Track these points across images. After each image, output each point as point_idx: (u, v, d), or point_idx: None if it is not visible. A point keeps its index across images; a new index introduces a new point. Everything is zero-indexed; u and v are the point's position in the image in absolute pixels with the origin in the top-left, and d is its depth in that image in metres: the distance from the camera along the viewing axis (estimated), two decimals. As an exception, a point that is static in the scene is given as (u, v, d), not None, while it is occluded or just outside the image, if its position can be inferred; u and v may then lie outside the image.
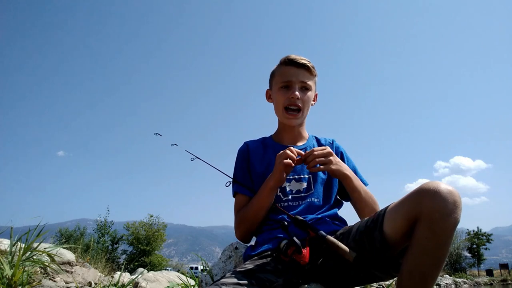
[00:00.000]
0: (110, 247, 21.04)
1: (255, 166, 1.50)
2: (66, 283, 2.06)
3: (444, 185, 1.04)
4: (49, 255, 2.10)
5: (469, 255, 38.62)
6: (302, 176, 1.46)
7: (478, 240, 38.19)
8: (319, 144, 1.59)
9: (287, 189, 1.43)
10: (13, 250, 1.97)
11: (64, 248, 2.65)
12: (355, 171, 1.48)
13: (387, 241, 1.10)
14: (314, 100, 1.56)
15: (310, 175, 1.46)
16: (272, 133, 1.63)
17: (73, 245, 3.32)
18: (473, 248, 38.15)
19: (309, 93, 1.49)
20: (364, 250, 1.15)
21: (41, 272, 2.01)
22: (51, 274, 2.06)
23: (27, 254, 1.89)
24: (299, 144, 1.56)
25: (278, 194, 1.42)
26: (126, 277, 2.89)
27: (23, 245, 1.96)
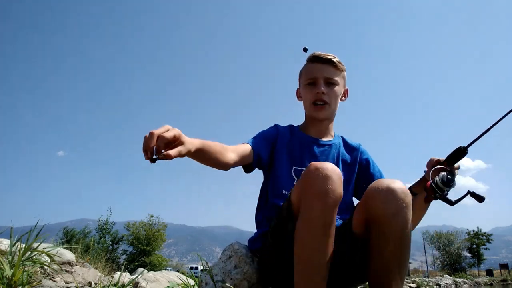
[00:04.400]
0: (110, 247, 21.06)
1: (277, 148, 1.46)
2: (66, 283, 2.06)
3: (388, 183, 1.04)
4: (49, 255, 2.10)
5: (469, 255, 38.65)
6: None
7: (478, 240, 38.21)
8: (345, 144, 1.55)
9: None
10: (13, 250, 1.97)
11: (64, 248, 2.65)
12: (381, 176, 1.47)
13: (358, 241, 1.12)
14: (344, 96, 1.53)
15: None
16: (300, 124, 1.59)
17: (73, 245, 3.32)
18: (473, 248, 38.17)
19: (336, 88, 1.45)
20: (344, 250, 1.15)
21: (41, 272, 2.01)
22: (51, 274, 2.06)
23: (27, 254, 1.89)
24: (325, 139, 1.51)
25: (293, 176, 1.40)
26: (126, 277, 2.90)
27: (23, 245, 1.96)
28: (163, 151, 0.89)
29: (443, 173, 1.15)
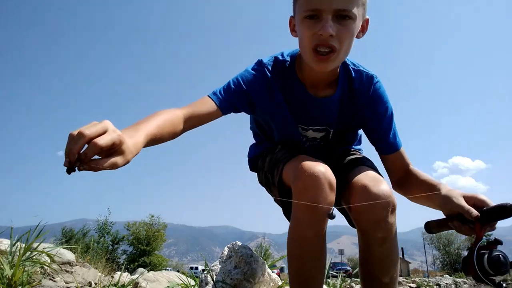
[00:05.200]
0: (110, 247, 21.08)
1: (276, 102, 1.17)
2: (66, 283, 2.06)
3: (368, 187, 0.98)
4: (49, 255, 2.10)
5: (499, 280, 38.61)
6: (322, 127, 1.23)
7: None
8: (351, 89, 1.15)
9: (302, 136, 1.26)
10: (13, 250, 1.97)
11: (64, 248, 2.65)
12: (394, 135, 1.17)
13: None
14: (362, 32, 1.07)
15: (332, 130, 1.23)
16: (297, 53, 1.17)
17: (73, 245, 3.32)
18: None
19: (352, 24, 0.98)
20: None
21: (41, 272, 2.01)
22: (51, 274, 2.06)
23: (27, 254, 1.89)
24: (323, 94, 1.15)
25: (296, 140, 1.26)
26: (126, 277, 2.89)
27: (23, 245, 1.96)
28: (98, 157, 0.65)
29: (496, 252, 0.83)
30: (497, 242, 0.86)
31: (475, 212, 0.90)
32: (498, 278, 0.83)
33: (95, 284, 2.27)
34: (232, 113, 1.14)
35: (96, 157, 0.65)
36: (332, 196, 0.94)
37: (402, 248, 51.61)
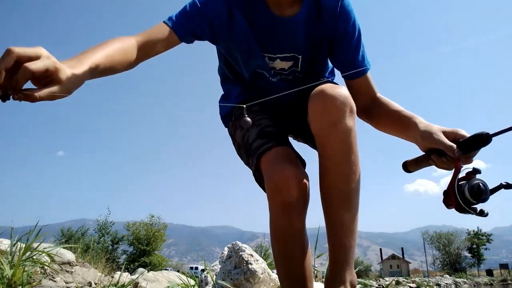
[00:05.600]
0: (110, 247, 21.10)
1: (235, 27, 1.04)
2: (66, 283, 2.06)
3: (325, 89, 0.89)
4: (49, 255, 2.10)
5: (469, 255, 38.72)
6: (289, 54, 1.09)
7: (478, 240, 38.25)
8: (318, 5, 1.04)
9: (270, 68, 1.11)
10: (13, 250, 1.98)
11: (64, 248, 2.65)
12: (363, 56, 1.09)
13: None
14: None
15: (301, 56, 1.10)
16: None
17: (73, 245, 3.33)
18: (473, 248, 38.22)
19: None
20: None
21: (41, 272, 2.01)
22: (51, 274, 2.06)
23: (27, 254, 1.90)
24: (287, 13, 1.03)
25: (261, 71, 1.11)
26: (126, 277, 2.90)
27: (23, 245, 1.96)
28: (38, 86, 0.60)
29: (476, 180, 0.83)
30: (476, 171, 0.85)
31: (457, 149, 0.88)
32: (479, 206, 0.83)
33: (95, 284, 2.27)
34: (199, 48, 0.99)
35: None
36: (307, 194, 0.92)
37: (402, 248, 51.65)
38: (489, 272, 37.41)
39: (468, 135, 0.90)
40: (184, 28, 0.98)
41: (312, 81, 1.09)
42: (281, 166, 0.90)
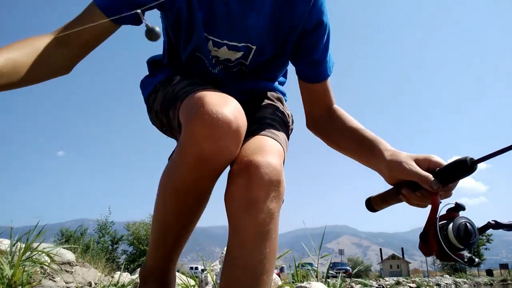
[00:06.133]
0: (110, 247, 21.11)
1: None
2: (66, 283, 2.06)
3: (253, 156, 0.67)
4: (49, 255, 2.10)
5: (469, 255, 38.72)
6: (240, 44, 0.87)
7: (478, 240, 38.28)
8: None
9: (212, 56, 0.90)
10: (13, 250, 1.98)
11: (64, 248, 2.65)
12: (330, 57, 0.93)
13: None
14: None
15: (255, 47, 0.88)
16: None
17: (73, 245, 3.32)
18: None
19: None
20: None
21: (41, 272, 2.01)
22: (51, 274, 2.06)
23: (27, 254, 1.90)
24: None
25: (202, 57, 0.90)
26: (126, 277, 2.89)
27: (23, 245, 1.96)
28: None
29: (461, 220, 0.65)
30: (459, 207, 0.67)
31: (435, 180, 0.70)
32: (466, 253, 0.66)
33: (95, 284, 2.27)
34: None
35: None
36: (236, 149, 0.68)
37: (402, 248, 51.67)
38: (489, 272, 37.44)
39: (444, 162, 0.74)
40: (117, 7, 0.76)
41: (260, 85, 0.98)
42: (215, 102, 0.66)
